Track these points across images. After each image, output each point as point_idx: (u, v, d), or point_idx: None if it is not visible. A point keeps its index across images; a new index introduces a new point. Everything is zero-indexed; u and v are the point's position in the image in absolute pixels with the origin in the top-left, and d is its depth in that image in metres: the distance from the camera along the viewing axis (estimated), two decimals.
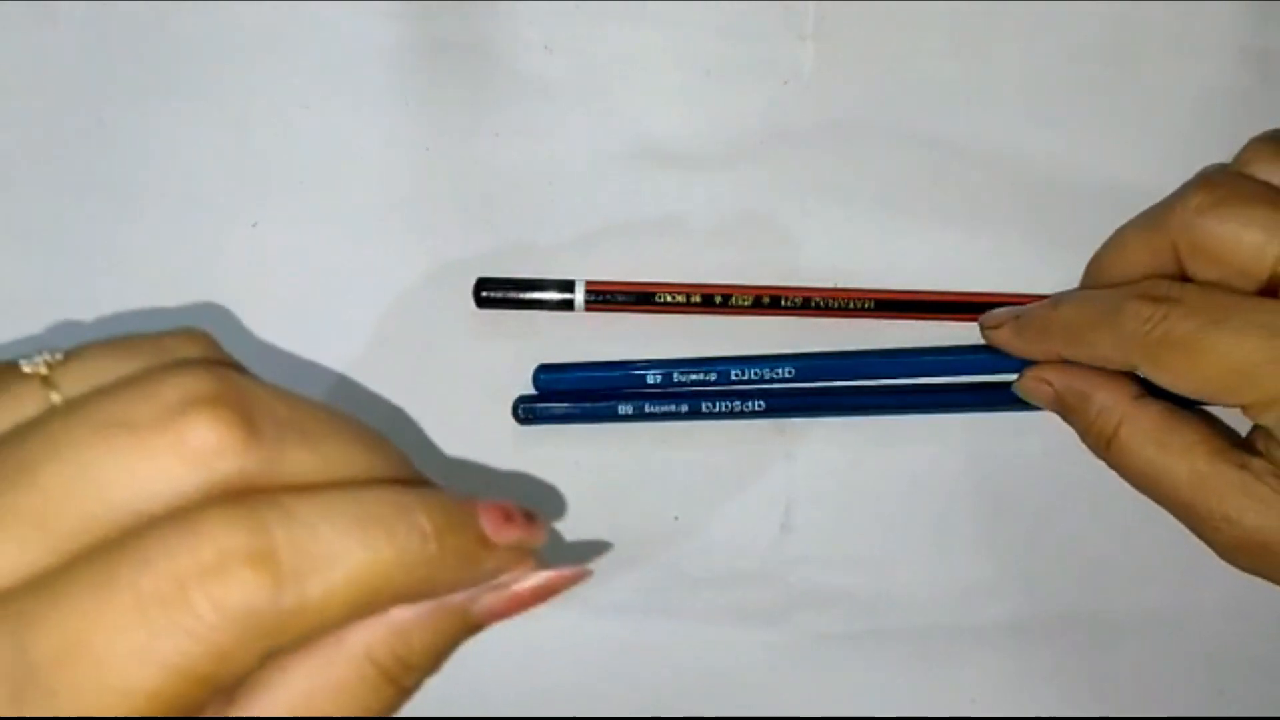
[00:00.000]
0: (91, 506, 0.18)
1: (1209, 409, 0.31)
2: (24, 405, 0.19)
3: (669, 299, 0.33)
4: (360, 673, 0.19)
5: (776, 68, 0.34)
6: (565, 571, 0.22)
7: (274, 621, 0.17)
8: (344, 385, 0.34)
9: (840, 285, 0.34)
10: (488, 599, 0.21)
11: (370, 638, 0.19)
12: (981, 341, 0.34)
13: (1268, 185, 0.29)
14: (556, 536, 0.34)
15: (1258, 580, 0.35)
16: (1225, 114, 0.35)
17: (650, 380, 0.33)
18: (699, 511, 0.35)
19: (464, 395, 0.34)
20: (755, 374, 0.34)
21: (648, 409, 0.33)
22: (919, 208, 0.34)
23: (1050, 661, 0.35)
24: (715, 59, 0.34)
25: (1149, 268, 0.30)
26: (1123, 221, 0.34)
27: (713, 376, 0.33)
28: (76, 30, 0.33)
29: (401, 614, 0.19)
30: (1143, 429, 0.30)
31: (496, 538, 0.20)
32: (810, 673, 0.35)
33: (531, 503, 0.34)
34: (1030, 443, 0.35)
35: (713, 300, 0.33)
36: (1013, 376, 0.34)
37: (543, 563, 0.22)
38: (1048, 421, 0.35)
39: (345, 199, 0.33)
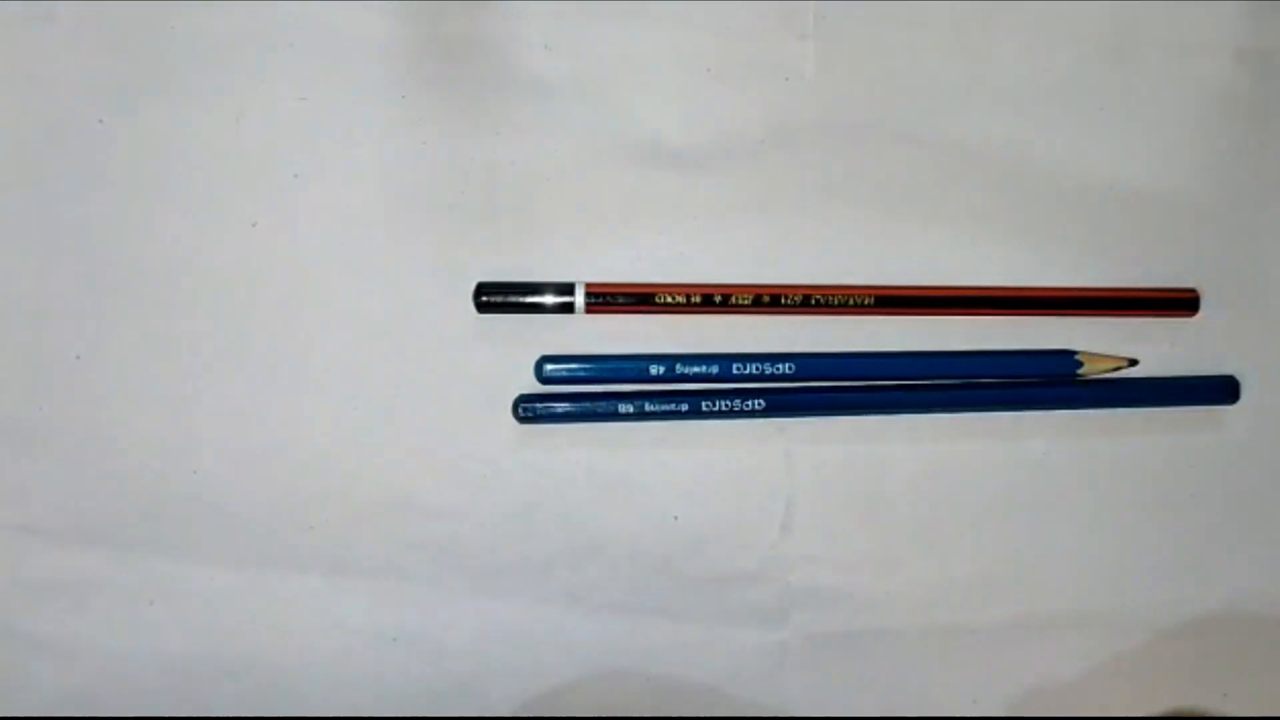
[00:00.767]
0: None
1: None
2: None
3: (669, 299, 0.33)
4: None
5: (777, 67, 0.34)
6: None
7: None
8: (344, 384, 0.34)
9: (840, 283, 0.34)
10: None
11: None
12: (982, 343, 0.34)
13: None
14: (557, 535, 0.34)
15: (1259, 580, 0.35)
16: (1224, 114, 0.35)
17: (652, 371, 0.33)
18: (699, 511, 0.35)
19: (464, 395, 0.34)
20: (756, 369, 0.34)
21: (648, 408, 0.33)
22: (919, 207, 0.34)
23: (1050, 661, 0.35)
24: (715, 58, 0.34)
25: None
26: (1121, 220, 0.35)
27: (714, 369, 0.33)
28: (76, 30, 0.33)
29: None
30: None
31: None
32: (810, 673, 0.35)
33: (532, 503, 0.34)
34: (1030, 443, 0.35)
35: (713, 300, 0.33)
36: (1013, 377, 0.34)
37: None
38: (1048, 421, 0.35)
39: (345, 199, 0.33)
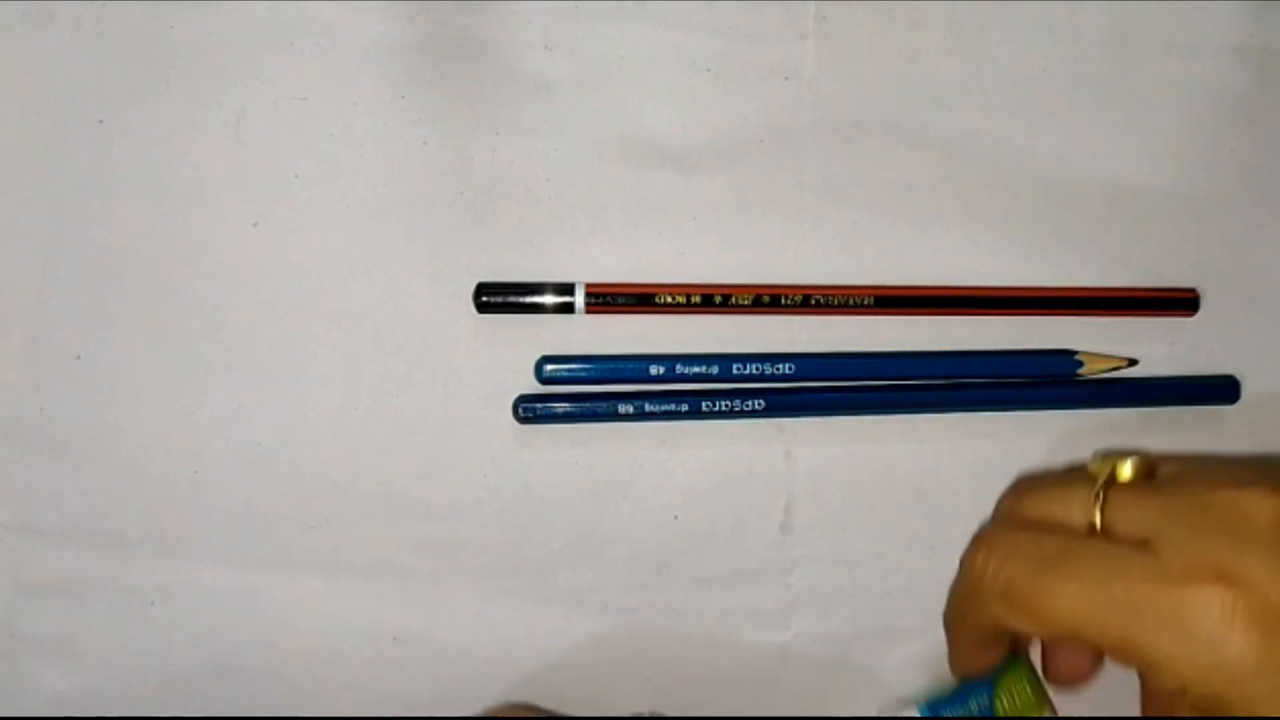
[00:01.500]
0: None
1: None
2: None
3: (669, 299, 0.33)
4: None
5: (777, 67, 0.34)
6: None
7: None
8: (344, 385, 0.34)
9: (840, 283, 0.34)
10: None
11: None
12: (982, 343, 0.34)
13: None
14: (557, 536, 0.34)
15: None
16: (1224, 113, 0.35)
17: (652, 371, 0.33)
18: (699, 511, 0.35)
19: (464, 395, 0.34)
20: (756, 369, 0.34)
21: (648, 408, 0.33)
22: (919, 207, 0.34)
23: None
24: (715, 58, 0.34)
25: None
26: (1121, 220, 0.35)
27: (714, 369, 0.33)
28: (76, 30, 0.33)
29: None
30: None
31: None
32: (810, 673, 0.35)
33: (532, 503, 0.34)
34: (1030, 442, 0.35)
35: (713, 300, 0.33)
36: (1013, 377, 0.34)
37: None
38: (1048, 421, 0.35)
39: (345, 199, 0.33)
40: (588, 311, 0.33)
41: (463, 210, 0.34)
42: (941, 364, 0.34)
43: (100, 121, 0.33)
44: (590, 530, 0.34)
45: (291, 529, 0.34)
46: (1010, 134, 0.34)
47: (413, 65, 0.33)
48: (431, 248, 0.34)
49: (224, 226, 0.33)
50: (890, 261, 0.34)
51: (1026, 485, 0.31)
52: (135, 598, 0.34)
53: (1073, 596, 0.27)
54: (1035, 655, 0.33)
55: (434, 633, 0.34)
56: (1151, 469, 0.29)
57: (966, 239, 0.34)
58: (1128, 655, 0.26)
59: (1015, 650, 0.32)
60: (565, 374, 0.33)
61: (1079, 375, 0.34)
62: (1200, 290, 0.35)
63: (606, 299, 0.33)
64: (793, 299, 0.33)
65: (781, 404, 0.34)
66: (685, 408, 0.33)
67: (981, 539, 0.29)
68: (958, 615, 0.31)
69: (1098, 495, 0.28)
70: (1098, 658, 0.31)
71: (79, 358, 0.33)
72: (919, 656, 0.35)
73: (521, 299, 0.33)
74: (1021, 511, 0.30)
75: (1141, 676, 0.29)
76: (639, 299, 0.33)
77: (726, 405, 0.33)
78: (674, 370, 0.33)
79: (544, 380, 0.33)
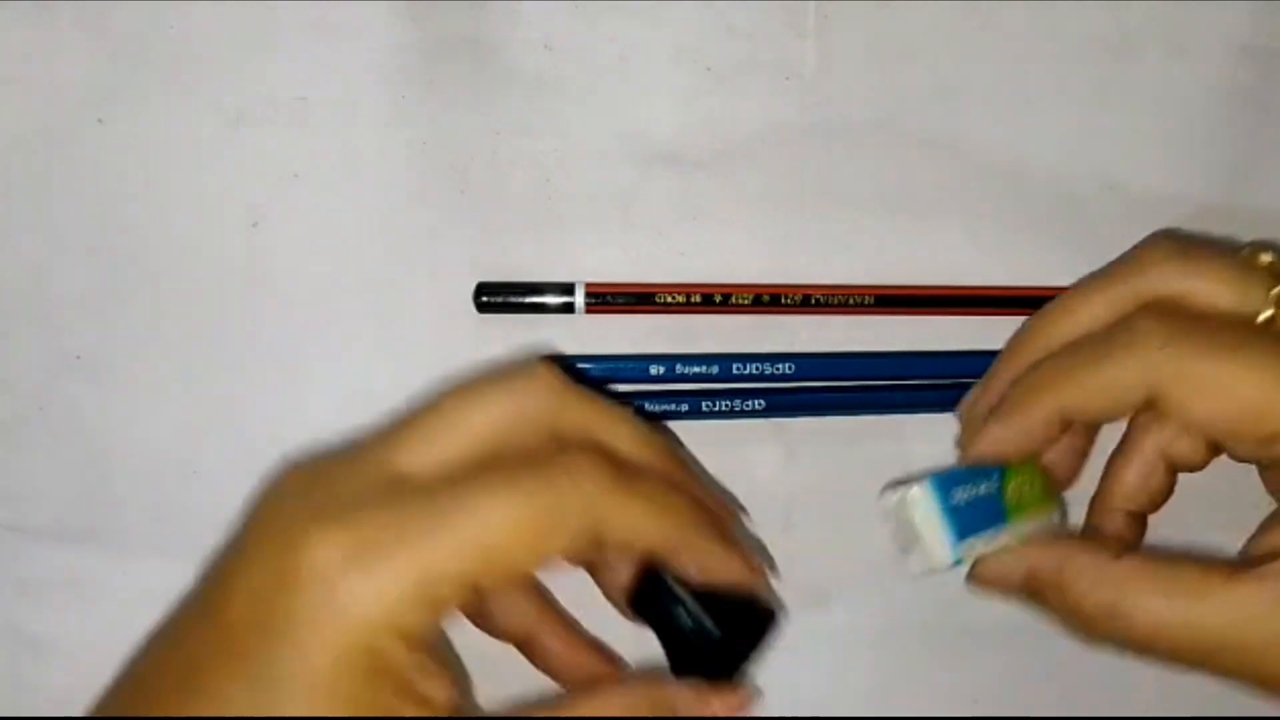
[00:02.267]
0: None
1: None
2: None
3: (669, 299, 0.33)
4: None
5: (777, 66, 0.34)
6: None
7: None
8: (344, 385, 0.34)
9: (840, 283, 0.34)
10: None
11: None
12: (982, 343, 0.34)
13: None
14: None
15: None
16: (1225, 114, 0.35)
17: (652, 371, 0.33)
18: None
19: None
20: (756, 369, 0.34)
21: (648, 408, 0.33)
22: (919, 206, 0.34)
23: (1050, 661, 0.35)
24: (715, 57, 0.34)
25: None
26: (1122, 220, 0.34)
27: (714, 369, 0.33)
28: (76, 30, 0.33)
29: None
30: (1140, 584, 0.27)
31: None
32: (811, 672, 0.35)
33: None
34: None
35: (713, 300, 0.33)
36: None
37: None
38: None
39: (345, 198, 0.33)
40: (588, 311, 0.33)
41: (463, 210, 0.34)
42: (942, 364, 0.34)
43: (100, 121, 0.33)
44: None
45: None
46: (1011, 134, 0.34)
47: (413, 65, 0.33)
48: (431, 248, 0.34)
49: (223, 227, 0.33)
50: (890, 261, 0.34)
51: (1188, 258, 0.29)
52: (135, 598, 0.34)
53: (1252, 387, 0.26)
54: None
55: None
56: None
57: (966, 239, 0.34)
58: None
59: None
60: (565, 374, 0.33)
61: None
62: None
63: (606, 299, 0.33)
64: (793, 299, 0.33)
65: (781, 404, 0.34)
66: (685, 408, 0.33)
67: (1151, 309, 0.28)
68: (1072, 368, 0.29)
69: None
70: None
71: (79, 358, 0.33)
72: (919, 657, 0.35)
73: (521, 299, 0.33)
74: (1186, 288, 0.29)
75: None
76: (639, 299, 0.33)
77: (726, 405, 0.33)
78: (674, 370, 0.33)
79: None
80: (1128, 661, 0.35)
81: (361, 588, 0.24)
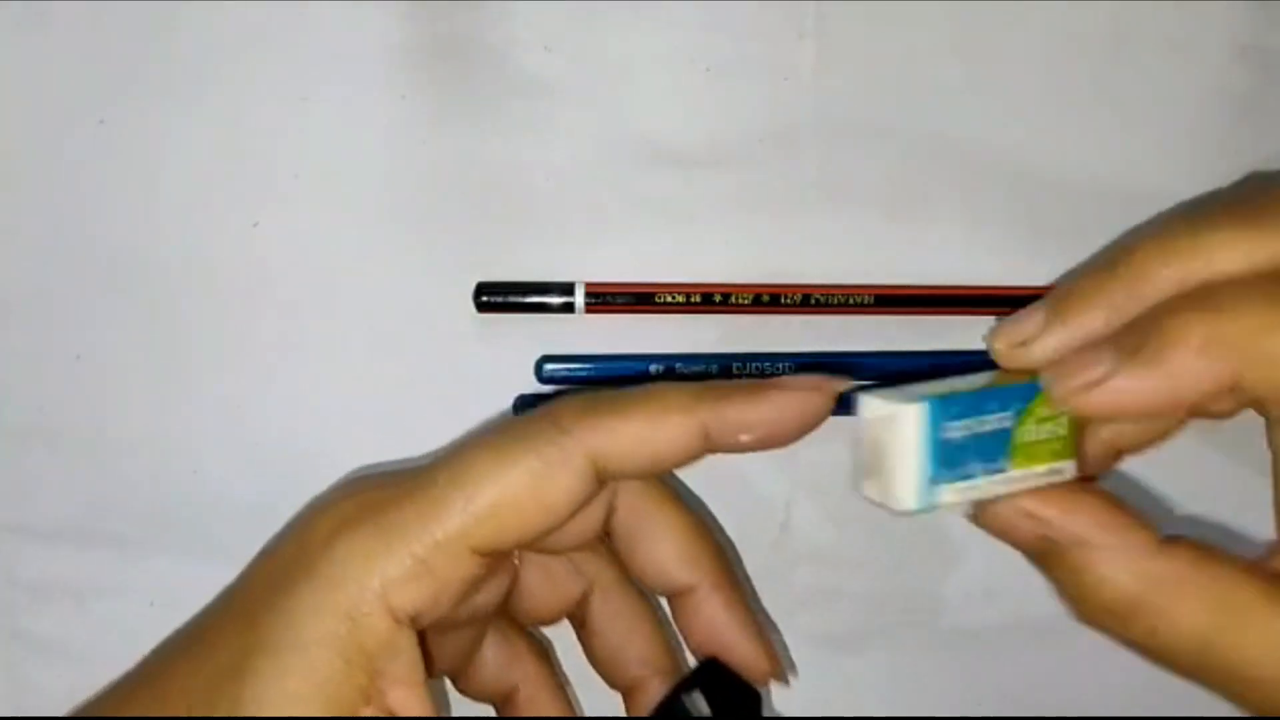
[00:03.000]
0: None
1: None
2: None
3: (669, 299, 0.33)
4: None
5: (776, 66, 0.34)
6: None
7: None
8: (344, 385, 0.34)
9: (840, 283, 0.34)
10: None
11: None
12: (982, 343, 0.34)
13: None
14: None
15: None
16: (1225, 114, 0.35)
17: (652, 371, 0.33)
18: (699, 512, 0.35)
19: (464, 395, 0.34)
20: (756, 369, 0.34)
21: None
22: (919, 206, 0.34)
23: (1050, 661, 0.35)
24: (715, 58, 0.34)
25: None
26: (1122, 220, 0.34)
27: (714, 369, 0.33)
28: (76, 30, 0.33)
29: None
30: (1182, 590, 0.22)
31: None
32: (811, 673, 0.35)
33: None
34: None
35: (713, 300, 0.33)
36: None
37: None
38: None
39: (345, 199, 0.33)
40: (588, 311, 0.33)
41: (463, 210, 0.34)
42: (942, 364, 0.34)
43: (101, 122, 0.33)
44: None
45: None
46: (1010, 134, 0.34)
47: (413, 65, 0.33)
48: (431, 248, 0.34)
49: (224, 227, 0.33)
50: (890, 261, 0.34)
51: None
52: (135, 598, 0.34)
53: None
54: None
55: None
56: None
57: (966, 239, 0.34)
58: None
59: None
60: (565, 374, 0.33)
61: None
62: None
63: (606, 299, 0.33)
64: (793, 299, 0.33)
65: None
66: None
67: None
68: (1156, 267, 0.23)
69: None
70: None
71: (79, 358, 0.33)
72: (918, 657, 0.35)
73: (521, 299, 0.33)
74: None
75: None
76: (639, 299, 0.33)
77: None
78: (674, 370, 0.33)
79: (544, 380, 0.33)
80: (1127, 662, 0.36)
81: (352, 547, 0.24)
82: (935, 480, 0.24)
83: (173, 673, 0.26)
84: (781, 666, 0.29)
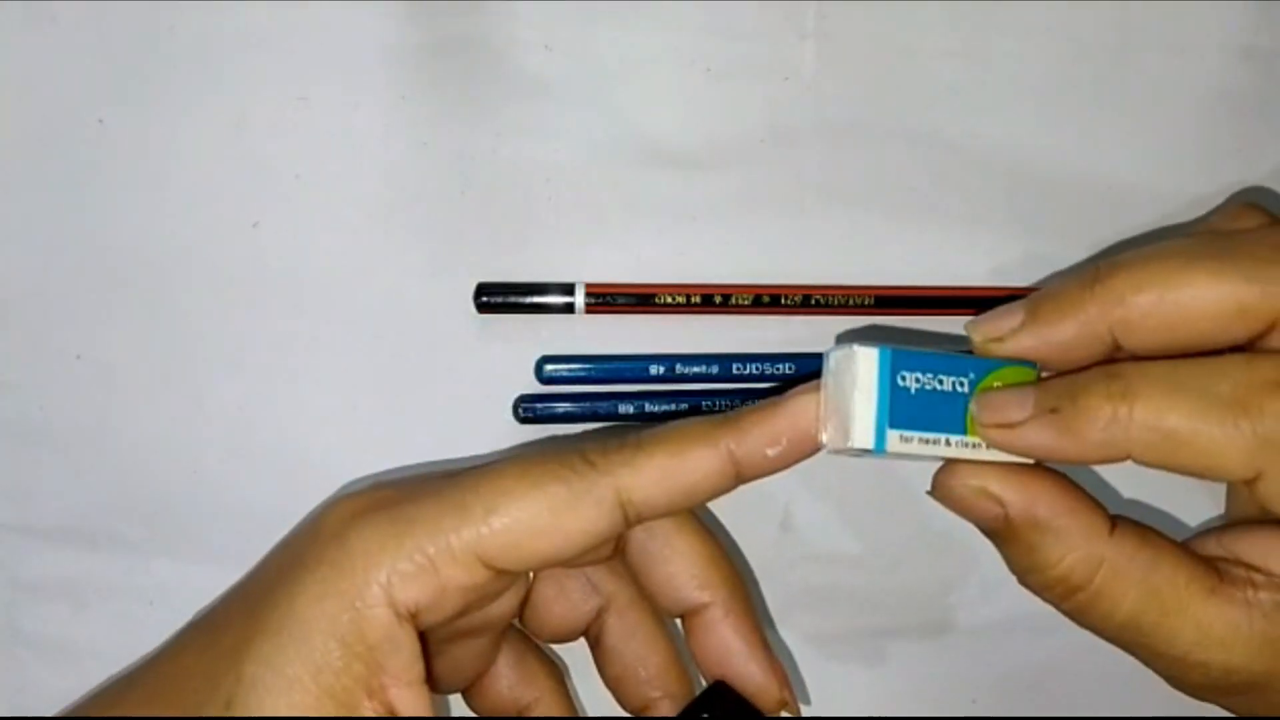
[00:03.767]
0: None
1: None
2: None
3: (669, 300, 0.33)
4: None
5: (777, 67, 0.34)
6: None
7: None
8: (344, 385, 0.34)
9: (839, 283, 0.34)
10: None
11: None
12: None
13: None
14: None
15: None
16: (1226, 114, 0.35)
17: (652, 371, 0.33)
18: (698, 511, 0.35)
19: (464, 395, 0.34)
20: (756, 369, 0.34)
21: (648, 408, 0.33)
22: (919, 207, 0.34)
23: (1050, 662, 0.35)
24: (715, 58, 0.34)
25: (1218, 333, 0.24)
26: (1123, 221, 0.34)
27: (714, 369, 0.33)
28: (76, 30, 0.33)
29: None
30: (1124, 574, 0.24)
31: None
32: (810, 673, 0.35)
33: None
34: None
35: (713, 300, 0.33)
36: None
37: None
38: None
39: (345, 199, 0.33)
40: (588, 311, 0.33)
41: (463, 210, 0.34)
42: None
43: (100, 121, 0.33)
44: None
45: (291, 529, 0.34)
46: (1011, 134, 0.34)
47: (413, 65, 0.33)
48: (431, 248, 0.34)
49: (224, 227, 0.33)
50: (890, 261, 0.34)
51: None
52: (135, 598, 0.34)
53: None
54: None
55: None
56: None
57: (966, 239, 0.34)
58: None
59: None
60: (565, 374, 0.33)
61: None
62: None
63: (606, 299, 0.33)
64: (793, 299, 0.33)
65: None
66: (685, 408, 0.33)
67: None
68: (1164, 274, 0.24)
69: None
70: None
71: (79, 358, 0.33)
72: (918, 656, 0.35)
73: (521, 299, 0.33)
74: None
75: None
76: (639, 299, 0.33)
77: (726, 405, 0.33)
78: (674, 370, 0.33)
79: (544, 380, 0.33)
80: (1128, 661, 0.36)
81: (363, 535, 0.24)
82: (889, 424, 0.25)
83: (182, 656, 0.27)
84: (793, 696, 0.28)
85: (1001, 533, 0.26)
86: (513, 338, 0.34)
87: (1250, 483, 0.23)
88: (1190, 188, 0.35)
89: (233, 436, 0.33)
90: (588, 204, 0.34)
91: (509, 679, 0.30)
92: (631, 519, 0.25)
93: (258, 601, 0.25)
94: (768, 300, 0.33)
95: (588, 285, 0.33)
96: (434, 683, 0.26)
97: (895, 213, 0.34)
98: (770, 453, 0.25)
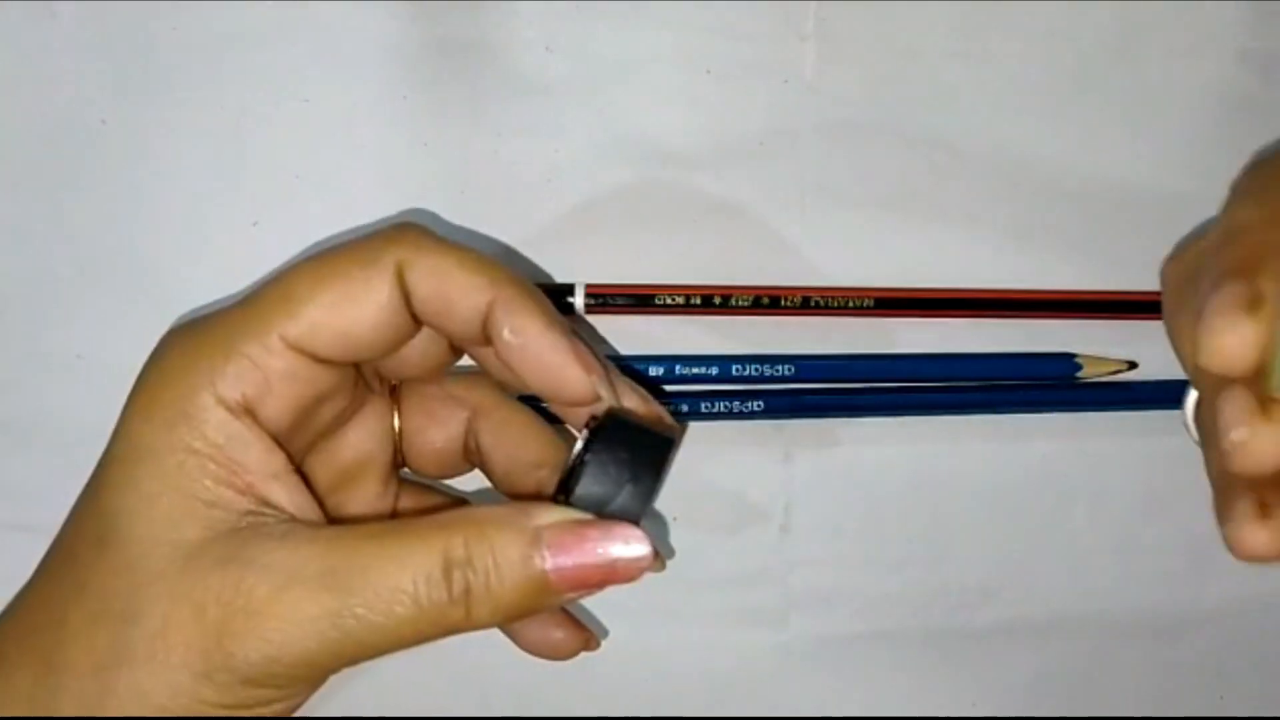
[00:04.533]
0: None
1: None
2: None
3: (669, 300, 0.33)
4: None
5: (777, 68, 0.34)
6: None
7: None
8: None
9: (840, 284, 0.34)
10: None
11: None
12: (982, 346, 0.34)
13: None
14: None
15: (1258, 582, 0.35)
16: (1226, 115, 0.34)
17: (652, 372, 0.33)
18: (699, 512, 0.35)
19: None
20: (755, 371, 0.34)
21: None
22: (919, 208, 0.34)
23: (1050, 662, 0.36)
24: (715, 59, 0.34)
25: None
26: (1123, 223, 0.34)
27: (714, 370, 0.33)
28: (78, 29, 0.33)
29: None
30: None
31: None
32: (810, 674, 0.35)
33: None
34: (1030, 445, 0.35)
35: (713, 300, 0.33)
36: (1013, 380, 0.34)
37: None
38: (1047, 424, 0.35)
39: (346, 198, 0.33)
40: (587, 312, 0.33)
41: (462, 211, 0.34)
42: (941, 366, 0.34)
43: (103, 121, 0.33)
44: None
45: None
46: (1011, 135, 0.34)
47: (413, 65, 0.33)
48: None
49: (224, 226, 0.33)
50: (890, 262, 0.34)
51: None
52: None
53: None
54: None
55: None
56: None
57: (967, 241, 0.34)
58: None
59: None
60: None
61: (1078, 378, 0.34)
62: None
63: (606, 299, 0.33)
64: (793, 299, 0.33)
65: (781, 405, 0.34)
66: (685, 408, 0.33)
67: None
68: None
69: None
70: None
71: (79, 358, 0.33)
72: (918, 659, 0.36)
73: None
74: None
75: None
76: (639, 299, 0.33)
77: (725, 406, 0.33)
78: (674, 371, 0.33)
79: None
80: (1126, 663, 0.36)
81: (176, 351, 0.25)
82: None
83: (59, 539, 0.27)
84: (610, 388, 0.27)
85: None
86: None
87: None
88: (1190, 189, 0.35)
89: None
90: (588, 204, 0.34)
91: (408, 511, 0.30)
92: (409, 290, 0.25)
93: (111, 438, 0.25)
94: (768, 301, 0.33)
95: (588, 286, 0.33)
96: None
97: (895, 213, 0.34)
98: (509, 337, 0.26)
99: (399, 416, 0.29)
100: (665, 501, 0.34)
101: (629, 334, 0.34)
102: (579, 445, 0.26)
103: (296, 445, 0.26)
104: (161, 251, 0.33)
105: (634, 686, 0.35)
